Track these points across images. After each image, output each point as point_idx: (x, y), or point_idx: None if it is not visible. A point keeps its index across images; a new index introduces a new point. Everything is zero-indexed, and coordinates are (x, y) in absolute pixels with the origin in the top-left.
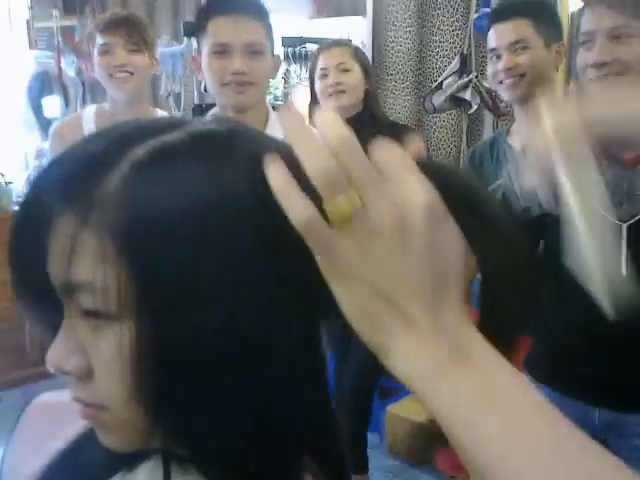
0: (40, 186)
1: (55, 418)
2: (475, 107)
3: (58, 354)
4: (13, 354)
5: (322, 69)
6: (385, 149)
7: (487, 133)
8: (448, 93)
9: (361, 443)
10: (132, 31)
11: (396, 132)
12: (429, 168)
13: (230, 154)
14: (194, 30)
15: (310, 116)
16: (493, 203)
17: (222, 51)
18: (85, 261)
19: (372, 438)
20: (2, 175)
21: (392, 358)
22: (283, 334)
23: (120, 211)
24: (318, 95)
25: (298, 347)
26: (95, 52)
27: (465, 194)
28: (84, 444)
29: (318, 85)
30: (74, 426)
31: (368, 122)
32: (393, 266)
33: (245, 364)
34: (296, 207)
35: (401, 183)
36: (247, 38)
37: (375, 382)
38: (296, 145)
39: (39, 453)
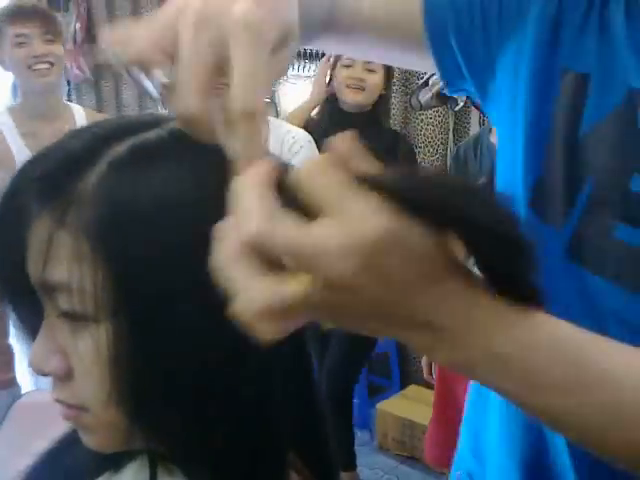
0: (17, 185)
1: (41, 417)
2: (461, 104)
3: (38, 355)
4: (1, 357)
5: (349, 59)
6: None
7: (474, 130)
8: (434, 90)
9: (347, 440)
10: (47, 21)
11: (391, 140)
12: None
13: (209, 152)
14: None
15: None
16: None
17: None
18: (61, 261)
19: (362, 435)
20: None
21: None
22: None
23: (96, 211)
24: (336, 79)
25: (280, 343)
26: (6, 44)
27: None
28: (70, 444)
29: (340, 72)
30: (60, 426)
31: (370, 124)
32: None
33: (224, 362)
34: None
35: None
36: None
37: (354, 379)
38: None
39: (24, 452)
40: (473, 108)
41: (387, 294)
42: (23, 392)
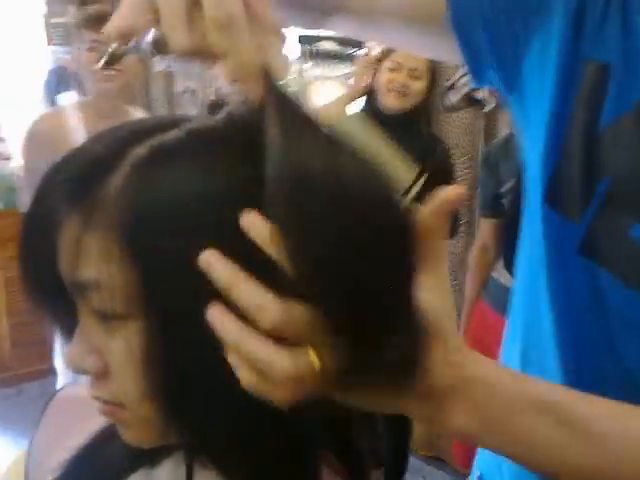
0: (46, 188)
1: (78, 412)
2: (491, 106)
3: (75, 354)
4: (32, 347)
5: (395, 62)
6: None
7: (504, 132)
8: (463, 92)
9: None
10: None
11: (428, 143)
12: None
13: (227, 149)
14: None
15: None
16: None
17: None
18: (91, 261)
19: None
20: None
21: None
22: None
23: (122, 212)
24: (379, 80)
25: None
26: (82, 47)
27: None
28: (106, 439)
29: (385, 74)
30: (97, 420)
31: (408, 126)
32: None
33: None
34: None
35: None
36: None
37: None
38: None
39: (62, 447)
40: (503, 110)
41: None
42: (59, 383)
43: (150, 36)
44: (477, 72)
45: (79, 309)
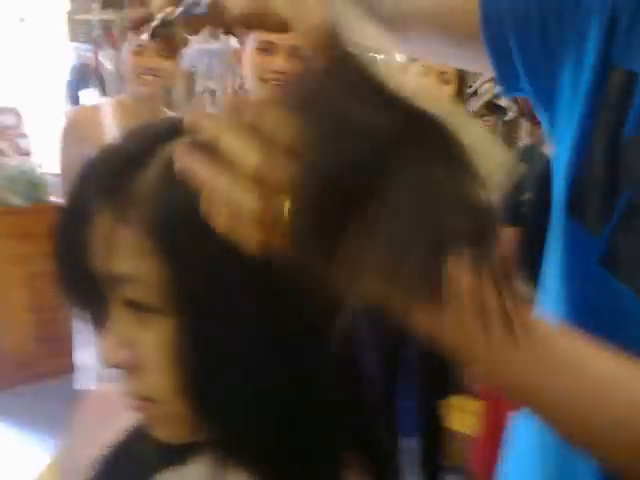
0: (81, 183)
1: (110, 408)
2: (511, 114)
3: (107, 348)
4: (54, 344)
5: (424, 67)
6: None
7: (523, 140)
8: (484, 99)
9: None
10: (166, 38)
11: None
12: None
13: None
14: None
15: None
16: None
17: (267, 49)
18: (123, 255)
19: (410, 442)
20: (41, 165)
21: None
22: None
23: (153, 207)
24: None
25: (340, 344)
26: (127, 48)
27: None
28: (138, 436)
29: (413, 78)
30: (129, 416)
31: None
32: None
33: (286, 356)
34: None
35: None
36: (294, 42)
37: None
38: None
39: (95, 444)
40: (523, 119)
41: None
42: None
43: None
44: (507, 81)
45: (111, 303)
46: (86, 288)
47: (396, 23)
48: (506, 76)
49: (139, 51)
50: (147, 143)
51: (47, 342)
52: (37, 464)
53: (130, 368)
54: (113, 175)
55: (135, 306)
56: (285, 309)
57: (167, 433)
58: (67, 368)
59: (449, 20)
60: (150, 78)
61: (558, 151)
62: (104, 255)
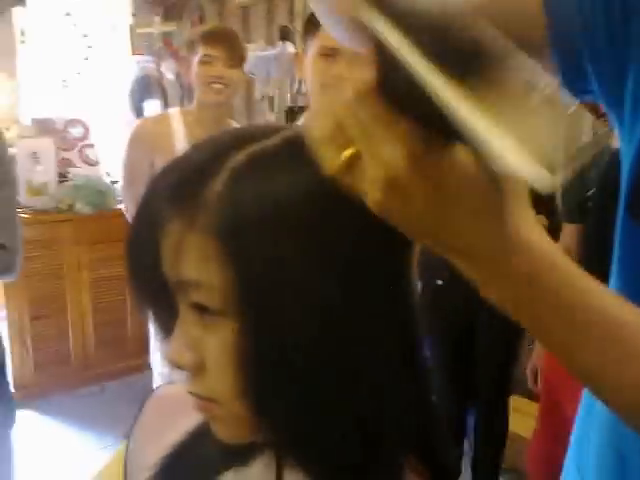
0: (152, 192)
1: (174, 410)
2: (574, 107)
3: (174, 350)
4: (114, 346)
5: None
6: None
7: (587, 134)
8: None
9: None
10: (233, 48)
11: None
12: None
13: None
14: (305, 32)
15: None
16: None
17: (329, 54)
18: (192, 261)
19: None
20: (108, 174)
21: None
22: (376, 322)
23: (221, 215)
24: None
25: (393, 333)
26: (195, 60)
27: None
28: (200, 437)
29: None
30: (191, 418)
31: None
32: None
33: (345, 359)
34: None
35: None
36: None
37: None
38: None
39: (159, 444)
40: (587, 113)
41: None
42: (155, 381)
43: None
44: (574, 84)
45: (179, 307)
46: (156, 292)
47: None
48: (572, 79)
49: (207, 61)
50: (216, 153)
51: (108, 345)
52: (98, 464)
53: (195, 369)
54: (182, 184)
55: (201, 309)
56: (347, 312)
57: (229, 433)
58: (127, 370)
59: (513, 20)
60: (219, 86)
61: (624, 151)
62: (173, 261)
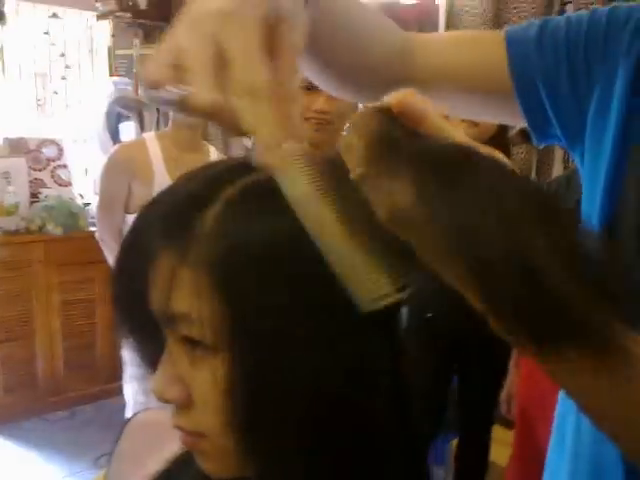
0: (141, 224)
1: (154, 436)
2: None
3: (160, 383)
4: (84, 370)
5: None
6: None
7: (557, 168)
8: (518, 128)
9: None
10: None
11: None
12: None
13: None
14: None
15: None
16: None
17: (308, 87)
18: (183, 294)
19: (437, 472)
20: (81, 196)
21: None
22: (373, 358)
23: (214, 248)
24: None
25: (386, 373)
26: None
27: None
28: (181, 467)
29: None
30: (171, 447)
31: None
32: None
33: (338, 396)
34: None
35: None
36: None
37: None
38: None
39: (138, 472)
40: (557, 146)
41: None
42: (128, 411)
43: (176, 92)
44: (539, 130)
45: (167, 339)
46: (143, 325)
47: (427, 80)
48: (538, 125)
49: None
50: (207, 184)
51: (78, 369)
52: None
53: (181, 403)
54: (174, 216)
55: (191, 343)
56: (342, 348)
57: (215, 468)
58: (97, 395)
59: (480, 76)
60: None
61: (587, 190)
62: (164, 293)
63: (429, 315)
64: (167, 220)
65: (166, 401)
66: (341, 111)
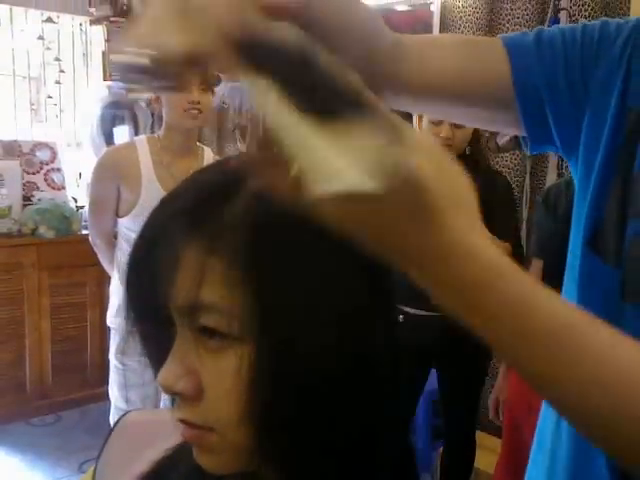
0: (159, 219)
1: (142, 437)
2: None
3: (169, 375)
4: (73, 374)
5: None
6: None
7: (551, 174)
8: (512, 134)
9: None
10: (205, 73)
11: (489, 180)
12: None
13: None
14: None
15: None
16: None
17: None
18: (212, 285)
19: (424, 478)
20: (74, 200)
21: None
22: (384, 351)
23: (244, 238)
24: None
25: (394, 364)
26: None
27: None
28: (169, 467)
29: (429, 127)
30: (159, 446)
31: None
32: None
33: (359, 393)
34: None
35: None
36: None
37: None
38: None
39: (126, 473)
40: (551, 152)
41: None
42: (112, 414)
43: (143, 51)
44: (536, 136)
45: (179, 331)
46: (153, 317)
47: (421, 87)
48: (537, 134)
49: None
50: (229, 175)
51: (66, 373)
52: None
53: (192, 395)
54: (201, 208)
55: (208, 334)
56: (366, 343)
57: (217, 463)
58: (84, 399)
59: (477, 80)
60: (195, 112)
61: (580, 191)
62: (190, 285)
63: (401, 318)
64: (193, 213)
65: (175, 393)
66: None
